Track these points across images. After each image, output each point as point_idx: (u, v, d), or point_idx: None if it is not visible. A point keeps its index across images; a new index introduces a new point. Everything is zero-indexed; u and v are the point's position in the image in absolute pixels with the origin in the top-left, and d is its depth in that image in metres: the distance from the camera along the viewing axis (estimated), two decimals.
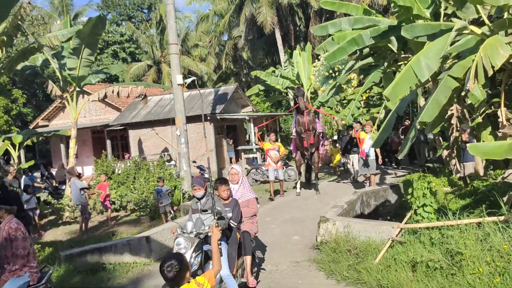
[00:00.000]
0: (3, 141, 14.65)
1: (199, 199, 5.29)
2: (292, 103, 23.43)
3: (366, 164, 11.63)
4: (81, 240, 10.16)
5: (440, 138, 13.47)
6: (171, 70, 13.32)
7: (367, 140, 11.45)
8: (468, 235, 5.48)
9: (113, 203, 12.98)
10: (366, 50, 12.89)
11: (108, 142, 22.73)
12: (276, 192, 12.65)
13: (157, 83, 35.40)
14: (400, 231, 6.44)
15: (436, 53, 5.30)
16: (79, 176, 11.33)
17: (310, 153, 11.95)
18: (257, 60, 35.62)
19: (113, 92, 14.10)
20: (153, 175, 13.21)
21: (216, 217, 4.57)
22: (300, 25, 29.54)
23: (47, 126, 25.48)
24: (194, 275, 4.03)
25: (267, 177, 16.60)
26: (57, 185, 17.19)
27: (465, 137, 8.78)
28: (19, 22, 12.41)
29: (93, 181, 11.84)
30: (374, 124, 13.38)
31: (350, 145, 13.42)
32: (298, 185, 12.51)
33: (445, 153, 12.22)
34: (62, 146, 23.25)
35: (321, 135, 12.45)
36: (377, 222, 7.16)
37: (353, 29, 11.87)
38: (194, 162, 16.39)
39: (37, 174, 19.07)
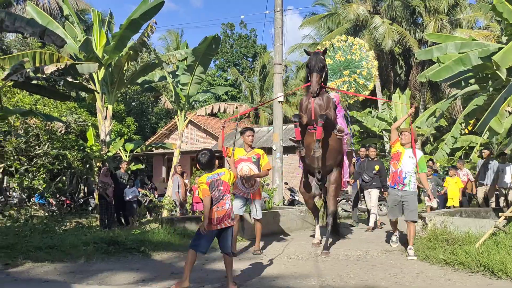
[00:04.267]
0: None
1: None
2: (387, 146, 22.97)
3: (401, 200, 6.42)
4: None
5: None
6: (274, 88, 14.05)
7: (406, 158, 6.37)
8: None
9: None
10: (472, 81, 12.64)
11: None
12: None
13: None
14: (505, 222, 6.11)
15: None
16: (182, 174, 12.11)
17: (320, 169, 6.80)
18: (355, 103, 35.90)
19: (219, 109, 15.13)
20: None
21: None
22: (401, 73, 29.48)
23: (152, 151, 27.58)
24: None
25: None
26: (157, 196, 18.34)
27: None
28: (145, 39, 14.04)
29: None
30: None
31: (367, 175, 9.34)
32: (317, 231, 7.52)
33: None
34: (164, 168, 25.02)
35: (345, 139, 7.25)
36: (479, 219, 6.81)
37: (459, 53, 11.77)
38: (286, 183, 16.68)
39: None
